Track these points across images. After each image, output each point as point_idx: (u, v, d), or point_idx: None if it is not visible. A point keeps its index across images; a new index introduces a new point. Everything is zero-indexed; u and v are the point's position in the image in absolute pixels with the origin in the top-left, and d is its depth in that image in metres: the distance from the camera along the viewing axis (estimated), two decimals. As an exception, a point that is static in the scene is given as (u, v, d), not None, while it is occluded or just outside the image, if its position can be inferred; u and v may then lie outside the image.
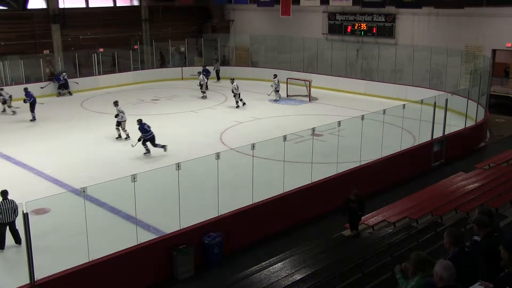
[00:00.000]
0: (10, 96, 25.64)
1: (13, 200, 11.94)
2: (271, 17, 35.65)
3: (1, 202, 11.92)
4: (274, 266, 10.64)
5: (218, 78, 33.90)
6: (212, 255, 11.59)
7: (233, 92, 26.22)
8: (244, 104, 26.47)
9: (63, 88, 29.63)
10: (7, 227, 11.99)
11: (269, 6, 33.87)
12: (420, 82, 27.73)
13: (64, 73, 29.92)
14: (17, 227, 11.88)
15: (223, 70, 34.84)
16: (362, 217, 12.66)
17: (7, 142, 20.57)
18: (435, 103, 17.97)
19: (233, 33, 38.74)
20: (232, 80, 26.84)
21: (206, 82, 29.10)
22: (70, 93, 29.72)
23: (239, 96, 26.25)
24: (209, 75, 31.55)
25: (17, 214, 11.77)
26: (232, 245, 12.04)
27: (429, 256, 5.84)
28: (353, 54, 31.77)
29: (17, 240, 12.09)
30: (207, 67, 32.14)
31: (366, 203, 12.39)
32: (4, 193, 12.06)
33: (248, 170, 12.96)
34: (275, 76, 28.35)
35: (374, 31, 30.86)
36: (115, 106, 21.02)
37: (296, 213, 13.58)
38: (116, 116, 20.74)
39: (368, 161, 15.98)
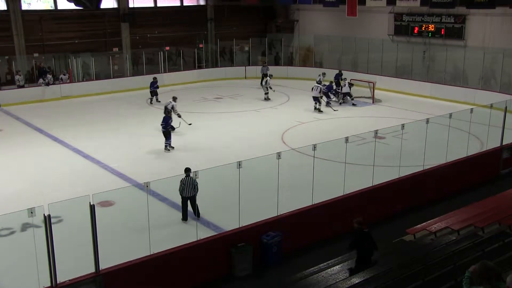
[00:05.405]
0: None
1: (193, 177, 12.68)
2: (336, 17, 35.28)
3: (184, 178, 12.92)
4: (332, 268, 10.53)
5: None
6: (270, 254, 11.61)
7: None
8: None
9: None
10: (188, 201, 13.12)
11: (334, 7, 33.50)
12: (490, 85, 26.68)
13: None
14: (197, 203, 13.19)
15: (285, 70, 34.75)
16: (425, 223, 12.31)
17: (77, 136, 21.44)
18: (506, 107, 17.22)
19: (297, 33, 38.69)
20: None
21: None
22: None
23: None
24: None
25: (197, 190, 12.89)
26: (290, 245, 12.02)
27: (496, 266, 5.62)
28: (419, 56, 30.98)
29: (196, 213, 13.24)
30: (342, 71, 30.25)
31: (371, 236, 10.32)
32: (187, 170, 13.03)
33: (308, 170, 12.92)
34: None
35: (442, 33, 29.94)
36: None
37: (355, 216, 13.36)
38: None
39: (432, 166, 15.57)
